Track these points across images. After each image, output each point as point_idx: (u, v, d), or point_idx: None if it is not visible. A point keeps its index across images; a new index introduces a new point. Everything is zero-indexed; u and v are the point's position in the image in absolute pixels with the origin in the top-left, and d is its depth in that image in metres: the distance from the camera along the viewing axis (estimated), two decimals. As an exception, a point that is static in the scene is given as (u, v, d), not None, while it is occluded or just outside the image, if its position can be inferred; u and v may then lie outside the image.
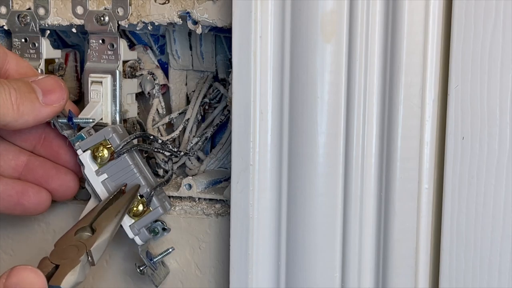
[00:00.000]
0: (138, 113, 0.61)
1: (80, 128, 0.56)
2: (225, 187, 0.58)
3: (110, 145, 0.55)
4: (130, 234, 0.56)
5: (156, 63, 0.63)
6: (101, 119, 0.57)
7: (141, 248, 0.57)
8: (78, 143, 0.55)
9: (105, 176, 0.55)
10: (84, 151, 0.55)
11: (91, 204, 0.57)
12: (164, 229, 0.57)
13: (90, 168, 0.55)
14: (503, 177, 0.47)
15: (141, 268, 0.57)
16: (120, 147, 0.54)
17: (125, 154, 0.55)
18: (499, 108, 0.47)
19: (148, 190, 0.55)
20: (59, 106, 0.53)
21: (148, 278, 0.57)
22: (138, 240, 0.56)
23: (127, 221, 0.55)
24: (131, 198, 0.54)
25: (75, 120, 0.55)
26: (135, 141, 0.57)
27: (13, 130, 0.53)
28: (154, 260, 0.58)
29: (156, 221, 0.57)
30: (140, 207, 0.55)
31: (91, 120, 0.56)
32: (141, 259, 0.57)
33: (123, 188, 0.55)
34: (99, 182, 0.55)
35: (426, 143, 0.49)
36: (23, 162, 0.57)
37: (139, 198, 0.55)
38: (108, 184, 0.55)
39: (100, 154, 0.55)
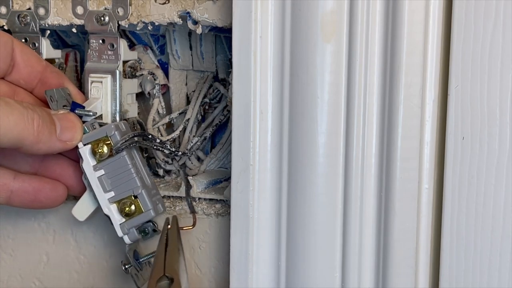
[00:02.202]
0: (138, 113, 0.61)
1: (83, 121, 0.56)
2: (225, 187, 0.58)
3: (110, 142, 0.55)
4: (119, 233, 0.56)
5: (156, 63, 0.63)
6: (101, 115, 0.57)
7: (129, 247, 0.57)
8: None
9: (102, 172, 0.55)
10: (84, 145, 0.55)
11: (86, 197, 0.57)
12: (154, 231, 0.57)
13: (88, 162, 0.55)
14: (503, 177, 0.47)
15: (126, 267, 0.57)
16: (119, 144, 0.54)
17: (124, 152, 0.55)
18: (499, 108, 0.47)
19: (142, 191, 0.55)
20: (71, 145, 0.54)
21: (131, 278, 0.57)
22: (126, 239, 0.56)
23: (117, 219, 0.55)
24: (177, 231, 0.55)
25: (77, 112, 0.55)
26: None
27: (23, 153, 0.53)
28: (140, 260, 0.58)
29: (148, 221, 0.57)
30: (132, 207, 0.55)
31: (91, 113, 0.56)
32: (128, 257, 0.57)
33: (169, 226, 0.55)
34: (95, 177, 0.55)
35: (426, 143, 0.48)
36: (39, 158, 0.57)
37: (133, 198, 0.55)
38: (104, 181, 0.55)
39: (99, 150, 0.55)
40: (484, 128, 0.47)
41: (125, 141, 0.55)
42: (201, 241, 0.58)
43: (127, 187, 0.55)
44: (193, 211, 0.56)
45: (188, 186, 0.56)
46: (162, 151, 0.58)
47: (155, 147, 0.57)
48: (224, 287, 0.57)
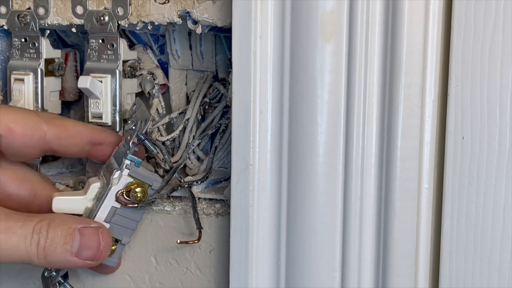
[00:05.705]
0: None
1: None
2: (225, 187, 0.58)
3: (146, 189, 0.54)
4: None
5: (156, 63, 0.63)
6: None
7: None
8: (130, 162, 0.54)
9: (118, 205, 0.54)
10: (127, 175, 0.54)
11: (78, 200, 0.55)
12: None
13: (116, 189, 0.54)
14: (503, 177, 0.47)
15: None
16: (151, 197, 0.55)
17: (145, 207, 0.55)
18: (499, 108, 0.47)
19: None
20: (93, 264, 0.53)
21: None
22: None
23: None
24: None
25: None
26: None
27: None
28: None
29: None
30: None
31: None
32: None
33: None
34: (110, 204, 0.54)
35: (426, 143, 0.49)
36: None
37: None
38: (113, 212, 0.54)
39: (134, 191, 0.54)
40: (484, 128, 0.47)
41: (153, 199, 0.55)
42: (201, 241, 0.58)
43: (120, 232, 0.55)
44: (199, 227, 0.56)
45: (194, 201, 0.56)
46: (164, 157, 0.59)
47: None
48: (224, 287, 0.57)
